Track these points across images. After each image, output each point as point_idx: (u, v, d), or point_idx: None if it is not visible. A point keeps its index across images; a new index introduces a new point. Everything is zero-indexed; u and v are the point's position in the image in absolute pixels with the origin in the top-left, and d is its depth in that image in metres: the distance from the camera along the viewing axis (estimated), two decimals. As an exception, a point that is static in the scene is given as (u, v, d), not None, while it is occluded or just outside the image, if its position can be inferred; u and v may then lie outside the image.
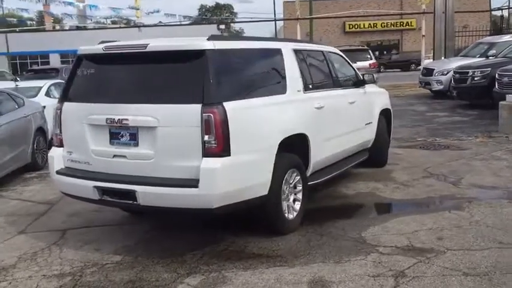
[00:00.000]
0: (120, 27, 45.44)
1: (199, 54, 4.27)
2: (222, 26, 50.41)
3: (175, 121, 4.26)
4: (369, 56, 19.96)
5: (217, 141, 4.14)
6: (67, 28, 54.32)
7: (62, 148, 4.95)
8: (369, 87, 7.45)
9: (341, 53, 7.10)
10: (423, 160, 8.30)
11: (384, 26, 54.36)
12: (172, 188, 4.23)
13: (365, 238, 4.92)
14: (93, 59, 4.80)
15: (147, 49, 4.42)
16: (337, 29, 54.21)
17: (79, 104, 4.78)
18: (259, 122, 4.58)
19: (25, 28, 48.26)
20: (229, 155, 4.20)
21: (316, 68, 6.10)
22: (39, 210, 6.35)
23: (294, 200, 5.27)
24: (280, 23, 53.09)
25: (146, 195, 4.32)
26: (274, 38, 5.58)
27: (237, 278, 4.15)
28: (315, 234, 5.06)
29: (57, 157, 4.94)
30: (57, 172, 4.90)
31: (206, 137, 4.14)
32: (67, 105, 4.85)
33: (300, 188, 5.32)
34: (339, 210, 5.95)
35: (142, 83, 4.54)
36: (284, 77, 5.19)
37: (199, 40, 4.39)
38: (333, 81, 6.33)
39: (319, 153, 5.66)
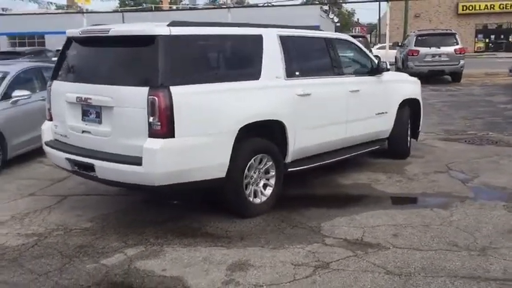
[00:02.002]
0: (208, 8, 46.25)
1: (152, 39, 4.52)
2: (326, 7, 49.64)
3: (128, 102, 4.57)
4: (455, 41, 18.78)
5: (161, 123, 4.39)
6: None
7: (51, 122, 5.47)
8: (388, 76, 7.21)
9: (353, 40, 6.93)
10: (453, 155, 7.92)
11: (503, 8, 50.24)
12: (122, 165, 4.56)
13: (321, 228, 4.94)
14: (74, 41, 5.25)
15: (110, 33, 4.76)
16: (449, 10, 51.10)
17: (61, 83, 5.27)
18: (214, 107, 4.74)
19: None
20: (172, 136, 4.43)
21: (308, 55, 6.08)
22: (60, 176, 7.00)
23: (265, 185, 5.38)
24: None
25: (102, 169, 4.71)
26: (260, 24, 5.57)
27: (172, 253, 4.42)
28: (277, 220, 5.16)
29: (46, 130, 5.50)
30: (45, 143, 5.46)
31: (151, 119, 4.41)
32: (55, 83, 5.37)
33: (272, 173, 5.41)
34: (322, 198, 5.95)
35: (105, 65, 4.92)
36: (259, 64, 5.27)
37: (155, 26, 4.63)
38: (332, 69, 6.25)
39: (302, 141, 5.68)
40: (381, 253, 4.34)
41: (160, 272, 4.06)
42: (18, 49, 25.05)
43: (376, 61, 7.01)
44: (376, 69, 6.94)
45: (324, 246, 4.51)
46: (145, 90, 4.42)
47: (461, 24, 50.07)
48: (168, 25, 4.63)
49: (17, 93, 7.60)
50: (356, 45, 6.90)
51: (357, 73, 6.80)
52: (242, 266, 4.13)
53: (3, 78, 7.82)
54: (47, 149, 5.45)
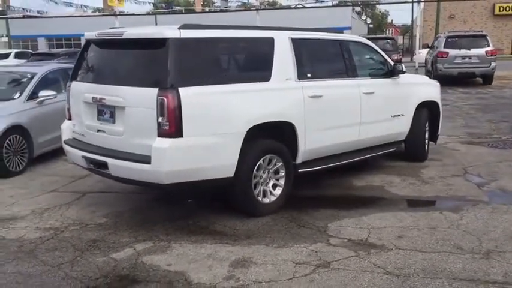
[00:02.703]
0: (237, 10, 46.45)
1: (163, 42, 4.67)
2: (358, 9, 49.30)
3: (139, 102, 4.74)
4: (486, 43, 18.43)
5: (170, 123, 4.54)
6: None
7: (70, 121, 5.70)
8: (405, 78, 7.19)
9: (368, 43, 6.96)
10: (474, 158, 7.85)
11: (541, 9, 48.91)
12: (133, 163, 4.73)
13: (328, 228, 5.00)
14: (91, 43, 5.46)
15: (123, 36, 4.95)
16: (485, 11, 49.99)
17: (79, 84, 5.49)
18: (223, 108, 4.87)
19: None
20: (181, 136, 4.58)
21: (321, 57, 6.15)
22: (81, 174, 7.23)
23: (275, 185, 5.48)
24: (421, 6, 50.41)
25: (115, 167, 4.90)
26: (272, 27, 5.64)
27: (178, 249, 4.56)
28: (285, 220, 5.25)
29: (65, 129, 5.74)
30: (64, 142, 5.69)
31: (160, 119, 4.56)
32: (74, 84, 5.59)
33: (282, 174, 5.50)
34: (332, 200, 6.01)
35: (119, 66, 5.12)
36: (269, 66, 5.37)
37: (166, 29, 4.78)
38: (346, 71, 6.30)
39: (313, 142, 5.75)
40: (383, 254, 4.38)
41: (165, 266, 4.21)
42: (53, 50, 25.81)
43: (392, 63, 7.01)
44: (391, 72, 6.94)
45: (327, 246, 4.57)
46: (155, 91, 4.57)
47: (497, 26, 48.97)
48: (179, 28, 4.78)
49: (43, 93, 7.90)
50: (371, 47, 6.93)
51: (372, 75, 6.82)
52: (244, 263, 4.24)
53: (31, 78, 8.14)
54: (66, 147, 5.69)
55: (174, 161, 4.61)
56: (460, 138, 9.60)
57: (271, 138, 5.40)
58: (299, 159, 5.71)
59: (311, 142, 5.72)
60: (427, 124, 7.63)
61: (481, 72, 18.48)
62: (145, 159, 4.63)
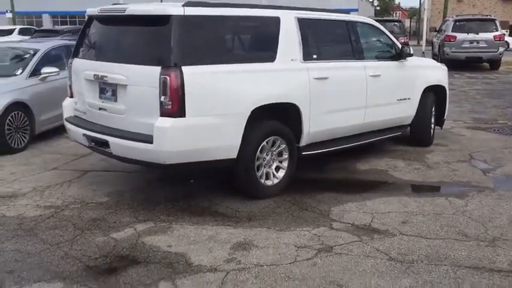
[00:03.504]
0: None
1: (167, 19, 4.56)
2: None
3: (141, 81, 4.65)
4: (494, 27, 18.17)
5: (172, 102, 4.45)
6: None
7: (72, 98, 5.62)
8: (413, 61, 7.07)
9: (376, 24, 6.82)
10: (479, 144, 7.77)
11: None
12: (134, 142, 4.66)
13: (331, 212, 4.95)
14: (94, 19, 5.36)
15: (126, 12, 4.83)
16: (494, -5, 49.39)
17: (81, 60, 5.39)
18: (226, 88, 4.77)
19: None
20: (183, 116, 4.50)
21: (328, 38, 6.03)
22: (84, 152, 7.17)
23: (278, 168, 5.41)
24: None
25: (116, 146, 4.83)
26: (278, 6, 5.49)
27: (179, 230, 4.51)
28: (288, 203, 5.19)
29: (67, 106, 5.66)
30: (66, 119, 5.62)
31: (162, 98, 4.47)
32: (76, 61, 5.50)
33: (286, 156, 5.43)
34: (336, 183, 5.94)
35: (121, 43, 5.02)
36: (275, 46, 5.25)
37: (169, 6, 4.67)
38: (352, 53, 6.18)
39: (318, 125, 5.66)
40: (386, 239, 4.33)
41: (165, 247, 4.16)
42: (57, 27, 25.61)
43: (400, 46, 6.88)
44: (399, 54, 6.82)
45: (330, 230, 4.52)
46: (157, 69, 4.48)
47: (506, 10, 48.42)
48: (183, 5, 4.67)
49: (45, 69, 7.82)
50: (379, 29, 6.79)
51: (379, 58, 6.70)
52: (246, 246, 4.19)
53: (34, 55, 8.05)
54: (67, 125, 5.62)
55: (176, 141, 4.54)
56: (465, 123, 9.51)
57: (275, 119, 5.32)
58: (303, 142, 5.63)
59: (316, 124, 5.63)
60: (433, 108, 7.52)
61: (489, 57, 18.26)
62: (147, 139, 4.56)
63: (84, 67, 5.27)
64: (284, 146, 5.38)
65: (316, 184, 5.82)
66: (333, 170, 6.38)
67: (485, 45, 17.88)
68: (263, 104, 5.01)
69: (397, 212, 4.96)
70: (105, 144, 4.94)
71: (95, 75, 5.06)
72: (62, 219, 4.76)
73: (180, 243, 4.24)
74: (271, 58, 5.23)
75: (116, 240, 4.30)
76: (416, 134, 7.42)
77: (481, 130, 8.93)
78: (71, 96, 5.67)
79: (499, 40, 17.91)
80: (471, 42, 18.05)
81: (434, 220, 4.75)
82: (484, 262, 3.93)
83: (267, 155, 5.27)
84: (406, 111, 7.04)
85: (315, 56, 5.66)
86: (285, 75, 5.31)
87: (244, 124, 4.89)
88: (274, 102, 5.13)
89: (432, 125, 7.57)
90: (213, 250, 4.11)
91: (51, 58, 8.22)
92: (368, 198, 5.34)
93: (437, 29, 21.98)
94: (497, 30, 18.10)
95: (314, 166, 6.33)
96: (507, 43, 28.65)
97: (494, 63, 18.60)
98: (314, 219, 4.78)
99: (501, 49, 17.96)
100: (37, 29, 25.13)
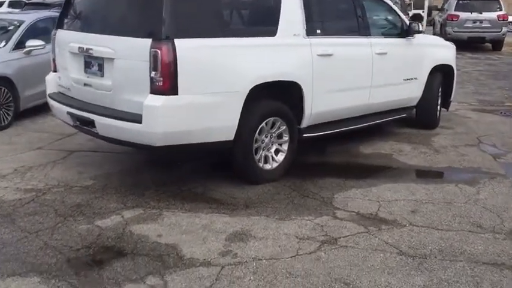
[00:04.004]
0: None
1: (158, -14, 4.13)
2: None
3: (129, 54, 4.25)
4: (498, 6, 17.69)
5: (163, 78, 4.06)
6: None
7: (56, 73, 5.20)
8: (420, 39, 6.67)
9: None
10: (487, 127, 7.42)
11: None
12: (122, 122, 4.27)
13: (334, 199, 4.60)
14: (80, -13, 4.92)
15: (114, -19, 4.40)
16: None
17: (66, 32, 4.97)
18: (223, 64, 4.38)
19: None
20: (175, 93, 4.10)
21: (332, 13, 5.62)
22: (72, 131, 6.76)
23: (278, 151, 5.04)
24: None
25: (102, 125, 4.44)
26: None
27: (170, 217, 4.16)
28: (288, 189, 4.84)
29: (50, 81, 5.25)
30: (49, 96, 5.21)
31: (153, 74, 4.08)
32: (60, 32, 5.07)
33: (286, 138, 5.06)
34: (339, 168, 5.59)
35: (109, 13, 4.59)
36: (276, 19, 4.84)
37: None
38: (358, 29, 5.77)
39: (320, 105, 5.28)
40: (395, 231, 3.99)
41: (155, 237, 3.81)
42: (48, 0, 24.86)
43: (408, 22, 6.47)
44: (406, 31, 6.41)
45: (334, 220, 4.17)
46: (147, 42, 4.07)
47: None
48: (177, -27, 4.23)
49: (31, 42, 7.36)
50: (386, 3, 6.37)
51: (385, 34, 6.29)
52: (243, 237, 3.84)
53: (18, 26, 7.59)
54: (50, 101, 5.21)
55: (168, 121, 4.15)
56: (471, 105, 9.15)
57: (275, 99, 4.93)
58: (304, 123, 5.26)
59: (318, 105, 5.25)
60: (440, 89, 7.14)
61: (492, 37, 17.82)
62: (136, 118, 4.17)
63: (69, 39, 4.85)
64: (284, 127, 5.01)
65: (317, 168, 5.46)
66: (335, 153, 6.02)
67: (488, 25, 17.41)
68: (262, 82, 4.62)
69: (405, 199, 4.62)
70: (91, 123, 4.55)
71: (79, 47, 4.64)
72: (43, 204, 4.40)
73: (171, 233, 3.88)
74: (272, 32, 4.82)
75: (101, 229, 3.94)
76: (422, 116, 7.06)
77: (487, 112, 8.58)
78: (55, 71, 5.25)
79: (503, 20, 17.44)
80: (474, 21, 17.58)
81: (445, 209, 4.42)
82: (503, 258, 3.60)
83: (266, 137, 4.90)
84: (413, 92, 6.67)
85: (318, 31, 5.25)
86: (287, 51, 4.91)
87: (242, 103, 4.51)
88: (274, 80, 4.74)
89: (438, 107, 7.21)
90: (207, 241, 3.76)
91: (37, 30, 7.75)
92: (373, 184, 5.00)
93: (440, 7, 21.44)
94: (501, 10, 17.62)
95: (315, 149, 5.97)
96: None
97: (497, 44, 18.17)
98: (316, 207, 4.43)
99: (504, 29, 17.50)
100: (27, 1, 24.36)
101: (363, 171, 5.45)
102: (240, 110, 4.50)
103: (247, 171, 4.81)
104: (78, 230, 3.91)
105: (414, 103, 6.84)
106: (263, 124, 4.79)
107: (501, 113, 8.60)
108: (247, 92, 4.51)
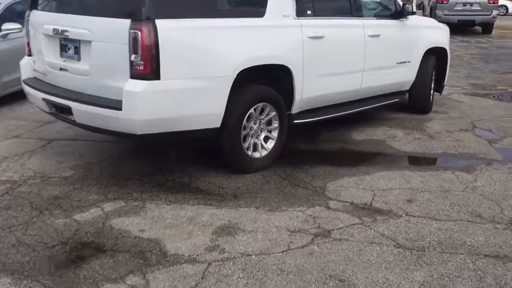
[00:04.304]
0: None
1: (138, -38, 3.84)
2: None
3: (108, 36, 3.97)
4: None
5: (144, 62, 3.78)
6: None
7: (30, 57, 4.90)
8: (414, 20, 6.44)
9: (375, -22, 6.14)
10: (481, 112, 7.24)
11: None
12: (101, 108, 4.00)
13: (326, 189, 4.38)
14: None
15: (90, -44, 4.10)
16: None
17: (40, 13, 4.67)
18: (209, 46, 4.11)
19: None
20: (157, 78, 3.84)
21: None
22: (51, 118, 6.46)
23: (267, 138, 4.81)
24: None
25: (80, 112, 4.17)
26: None
27: (154, 210, 3.91)
28: (279, 178, 4.62)
29: (24, 66, 4.95)
30: (24, 81, 4.91)
31: (133, 57, 3.80)
32: (34, 13, 4.76)
33: (275, 125, 4.82)
34: (331, 155, 5.37)
35: (85, -8, 4.28)
36: (264, 0, 4.57)
37: None
38: (350, 10, 5.52)
39: (311, 90, 5.04)
40: (391, 222, 3.78)
41: (137, 232, 3.57)
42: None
43: (401, 3, 6.22)
44: (400, 12, 6.17)
45: (326, 211, 3.96)
46: (126, 23, 3.79)
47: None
48: None
49: (7, 26, 7.01)
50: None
51: (378, 16, 6.04)
52: (231, 230, 3.61)
53: (-6, 9, 7.22)
54: (25, 88, 4.91)
55: (149, 107, 3.89)
56: (463, 89, 8.98)
57: (264, 84, 4.68)
58: (295, 109, 5.03)
59: (309, 90, 5.02)
60: (433, 73, 6.93)
61: (482, 20, 17.64)
62: (115, 105, 3.90)
63: (43, 20, 4.55)
64: (274, 113, 4.77)
65: (309, 156, 5.24)
66: (326, 140, 5.80)
67: (478, 8, 17.22)
68: (250, 65, 4.36)
69: (400, 188, 4.42)
70: (67, 110, 4.27)
71: (54, 29, 4.35)
72: (18, 197, 4.13)
73: (154, 227, 3.64)
74: (261, 13, 4.56)
75: (79, 223, 3.69)
76: (415, 100, 6.86)
77: (480, 97, 8.41)
78: (29, 55, 4.94)
79: (493, 3, 17.26)
80: (464, 4, 17.38)
81: (442, 198, 4.22)
82: (505, 249, 3.41)
83: (255, 124, 4.66)
84: (406, 76, 6.45)
85: (309, 12, 5.00)
86: (276, 33, 4.66)
87: (229, 89, 4.25)
88: (263, 63, 4.49)
89: (432, 91, 7.00)
90: (193, 235, 3.53)
91: (13, 13, 7.38)
92: (367, 172, 4.79)
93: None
94: (491, -8, 17.43)
95: (306, 136, 5.75)
96: (506, 7, 28.06)
97: (487, 27, 18.00)
98: (308, 196, 4.22)
99: (495, 12, 17.33)
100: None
101: (355, 158, 5.24)
102: (227, 96, 4.25)
103: (235, 160, 4.58)
104: (54, 225, 3.65)
105: (407, 87, 6.63)
106: (251, 110, 4.54)
107: (494, 96, 8.43)
108: (235, 76, 4.25)
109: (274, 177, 4.62)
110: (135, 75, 3.82)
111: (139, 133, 3.95)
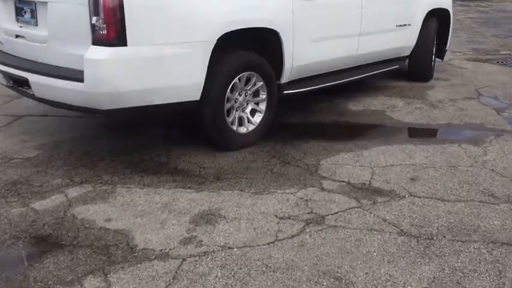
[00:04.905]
0: None
1: None
2: None
3: None
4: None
5: (108, 25, 3.27)
6: None
7: (-13, 25, 4.36)
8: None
9: None
10: (485, 78, 6.77)
11: None
12: (61, 80, 3.50)
13: (320, 167, 3.92)
14: None
15: None
16: None
17: (-8, -28, 4.10)
18: (184, 8, 3.60)
19: None
20: (124, 44, 3.33)
21: None
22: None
23: (254, 111, 4.32)
24: None
25: (38, 85, 3.67)
26: None
27: (125, 195, 3.45)
28: (267, 155, 4.15)
29: (-20, 35, 4.39)
30: (-21, 53, 4.37)
31: (94, 20, 3.28)
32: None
33: (263, 96, 4.33)
34: (325, 129, 4.91)
35: None
36: (249, -48, 4.02)
37: None
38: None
39: (303, 57, 4.54)
40: (393, 204, 3.33)
41: (102, 222, 3.11)
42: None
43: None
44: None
45: (320, 192, 3.50)
46: (86, -21, 3.26)
47: None
48: None
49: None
50: None
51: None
52: (211, 218, 3.15)
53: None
54: (-18, 59, 4.37)
55: (115, 78, 3.38)
56: (465, 54, 8.49)
57: (249, 50, 4.17)
58: (285, 78, 4.53)
59: (300, 56, 4.52)
60: (435, 37, 6.42)
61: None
62: (77, 76, 3.39)
63: (-5, -19, 4.00)
64: (261, 83, 4.27)
65: (300, 130, 4.78)
66: (319, 112, 5.32)
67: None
68: (234, 29, 3.86)
69: (402, 164, 3.97)
70: (25, 83, 3.77)
71: (7, -10, 3.81)
72: (-27, 182, 3.65)
73: (123, 216, 3.18)
74: (244, -31, 4.01)
75: (37, 213, 3.22)
76: (415, 67, 6.38)
77: (483, 62, 7.94)
78: (-14, 22, 4.39)
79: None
80: (463, -33, 16.68)
81: (450, 175, 3.77)
82: (524, 235, 2.97)
83: (240, 96, 4.17)
84: (406, 40, 5.95)
85: (299, -32, 4.44)
86: (263, -8, 4.12)
87: (209, 56, 3.75)
88: (247, 27, 3.97)
89: (433, 57, 6.50)
90: (166, 225, 3.07)
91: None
92: (364, 147, 4.33)
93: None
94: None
95: (298, 108, 5.27)
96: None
97: (487, -9, 17.36)
98: (299, 176, 3.76)
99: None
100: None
101: (352, 131, 4.77)
102: (207, 64, 3.75)
103: (219, 136, 4.11)
104: (8, 215, 3.19)
105: (407, 53, 6.14)
106: (235, 80, 4.05)
107: (498, 62, 7.96)
108: (215, 41, 3.74)
109: (262, 155, 4.16)
110: (97, 41, 3.31)
111: (104, 108, 3.45)
